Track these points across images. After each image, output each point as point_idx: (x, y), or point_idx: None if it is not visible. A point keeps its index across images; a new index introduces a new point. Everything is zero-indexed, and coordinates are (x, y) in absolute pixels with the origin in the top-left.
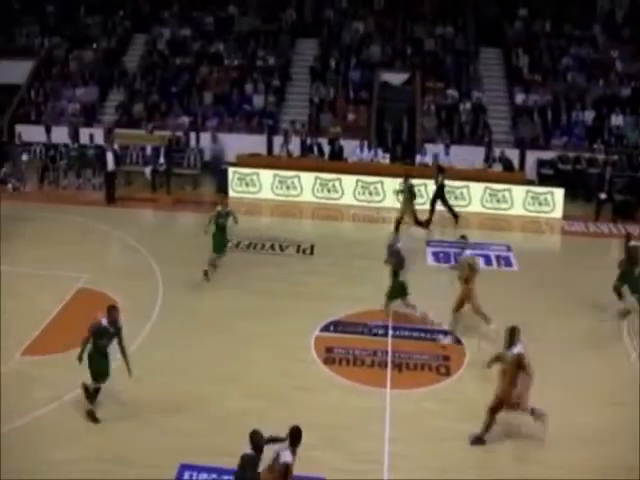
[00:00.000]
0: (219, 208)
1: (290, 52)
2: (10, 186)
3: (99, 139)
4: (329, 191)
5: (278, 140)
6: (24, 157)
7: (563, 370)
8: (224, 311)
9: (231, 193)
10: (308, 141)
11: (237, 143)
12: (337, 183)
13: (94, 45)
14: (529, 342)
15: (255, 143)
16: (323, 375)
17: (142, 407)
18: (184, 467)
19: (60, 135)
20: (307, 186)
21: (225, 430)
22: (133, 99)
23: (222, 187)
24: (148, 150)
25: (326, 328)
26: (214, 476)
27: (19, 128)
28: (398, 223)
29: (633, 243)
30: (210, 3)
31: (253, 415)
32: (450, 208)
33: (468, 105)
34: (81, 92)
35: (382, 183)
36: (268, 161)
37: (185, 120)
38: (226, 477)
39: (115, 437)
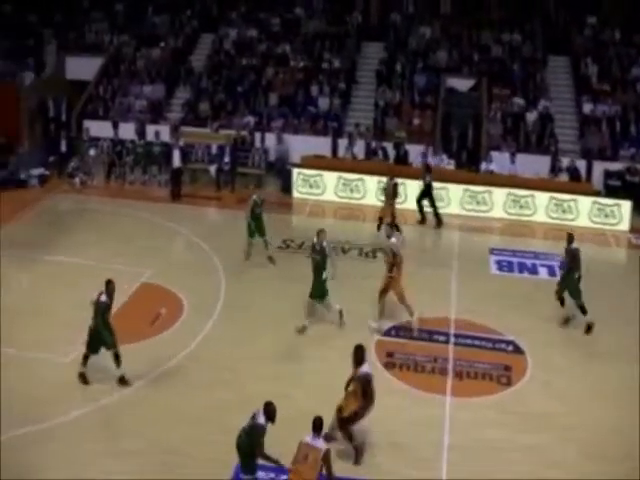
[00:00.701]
0: (255, 197)
1: (356, 55)
2: (77, 180)
3: (165, 136)
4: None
5: (343, 143)
6: (92, 152)
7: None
8: (286, 309)
9: (295, 194)
10: (373, 145)
11: (302, 144)
12: (401, 188)
13: (162, 43)
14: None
15: (319, 145)
16: (383, 379)
17: (204, 403)
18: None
19: (127, 131)
20: (371, 189)
21: (285, 429)
22: (199, 97)
23: (286, 188)
24: (213, 149)
25: (387, 332)
26: (272, 475)
27: (87, 123)
28: (380, 222)
29: (574, 245)
30: (277, 4)
31: (307, 416)
32: (436, 210)
33: (535, 113)
34: (148, 89)
35: (447, 190)
36: (332, 163)
37: (251, 120)
38: (283, 477)
39: (175, 430)
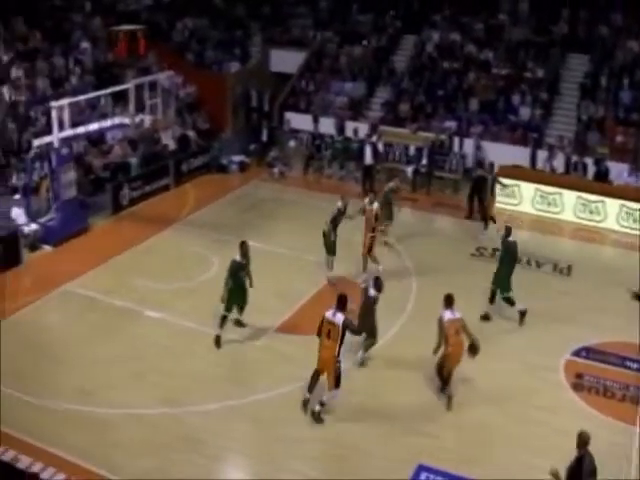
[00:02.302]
0: (339, 204)
1: (560, 66)
2: (276, 170)
3: (363, 134)
4: (591, 212)
5: (542, 154)
6: (291, 143)
7: None
8: (473, 318)
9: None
10: (573, 159)
11: (500, 153)
12: (600, 205)
13: (364, 42)
14: None
15: (518, 154)
16: (570, 400)
17: (390, 401)
18: (422, 468)
19: (326, 126)
20: (569, 205)
21: (465, 437)
22: (399, 98)
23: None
24: (412, 150)
25: (577, 353)
26: None
27: (288, 115)
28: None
29: (511, 239)
30: (481, 9)
31: (491, 428)
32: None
33: None
34: (349, 86)
35: None
36: (531, 174)
37: (452, 124)
38: None
39: (354, 426)
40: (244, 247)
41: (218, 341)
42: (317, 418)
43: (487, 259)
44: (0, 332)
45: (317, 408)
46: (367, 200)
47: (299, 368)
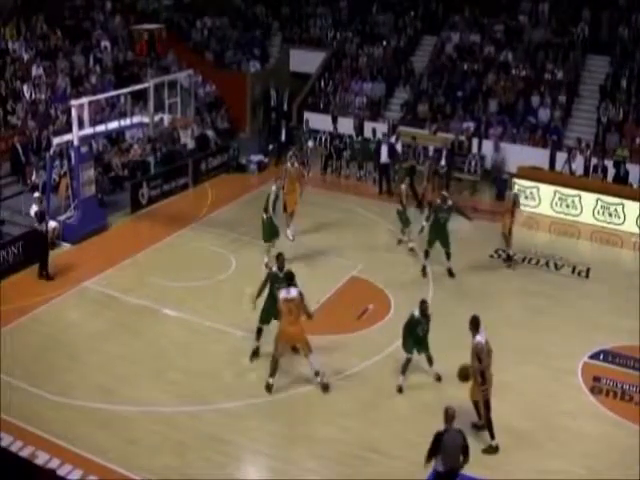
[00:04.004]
0: (275, 189)
1: (580, 68)
2: None
3: (382, 134)
4: (610, 215)
5: (561, 156)
6: (310, 143)
7: None
8: (491, 320)
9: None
10: (593, 161)
11: (519, 154)
12: (619, 208)
13: (384, 42)
14: None
15: (537, 156)
16: (588, 403)
17: (407, 403)
18: None
19: (345, 126)
20: (588, 207)
21: (483, 440)
22: (419, 99)
23: (501, 197)
24: (430, 151)
25: (595, 356)
26: None
27: (307, 115)
28: None
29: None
30: (501, 11)
31: (509, 431)
32: None
33: None
34: (368, 87)
35: None
36: (550, 176)
37: (471, 125)
38: None
39: (373, 427)
40: (280, 259)
41: (256, 353)
42: (325, 387)
43: (516, 262)
44: (20, 329)
45: (318, 379)
46: (289, 162)
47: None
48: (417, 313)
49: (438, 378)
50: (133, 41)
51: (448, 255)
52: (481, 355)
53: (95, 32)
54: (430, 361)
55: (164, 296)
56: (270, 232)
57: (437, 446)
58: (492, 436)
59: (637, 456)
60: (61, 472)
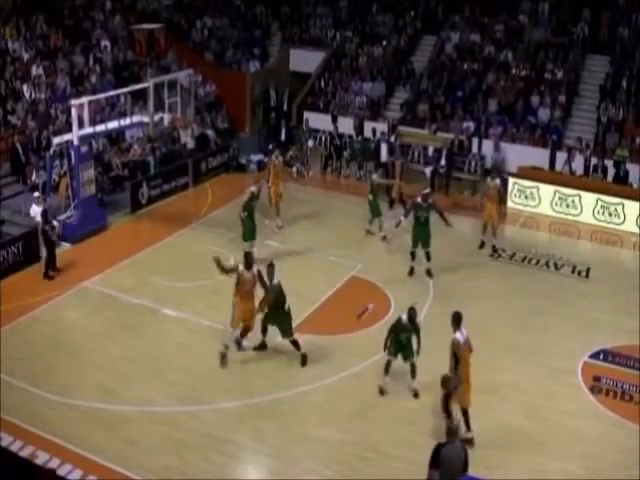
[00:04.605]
0: (253, 189)
1: (580, 68)
2: (294, 170)
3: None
4: (610, 215)
5: (561, 156)
6: (310, 143)
7: None
8: (490, 319)
9: (509, 204)
10: (592, 161)
11: (519, 154)
12: (619, 208)
13: (384, 42)
14: None
15: (537, 156)
16: (588, 403)
17: (409, 404)
18: None
19: (345, 126)
20: (587, 207)
21: (485, 440)
22: (419, 98)
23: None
24: (430, 150)
25: (595, 356)
26: None
27: (307, 115)
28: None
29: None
30: (501, 10)
31: (510, 430)
32: None
33: None
34: (368, 87)
35: None
36: (549, 176)
37: (471, 125)
38: None
39: (378, 428)
40: (270, 269)
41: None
42: (223, 356)
43: (505, 260)
44: (20, 329)
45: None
46: (274, 155)
47: (317, 368)
48: (405, 318)
49: (415, 394)
50: (133, 41)
51: (428, 255)
52: (457, 352)
53: (95, 32)
54: (413, 372)
55: (164, 296)
56: (249, 232)
57: (436, 458)
58: (468, 427)
59: (637, 456)
60: (61, 472)
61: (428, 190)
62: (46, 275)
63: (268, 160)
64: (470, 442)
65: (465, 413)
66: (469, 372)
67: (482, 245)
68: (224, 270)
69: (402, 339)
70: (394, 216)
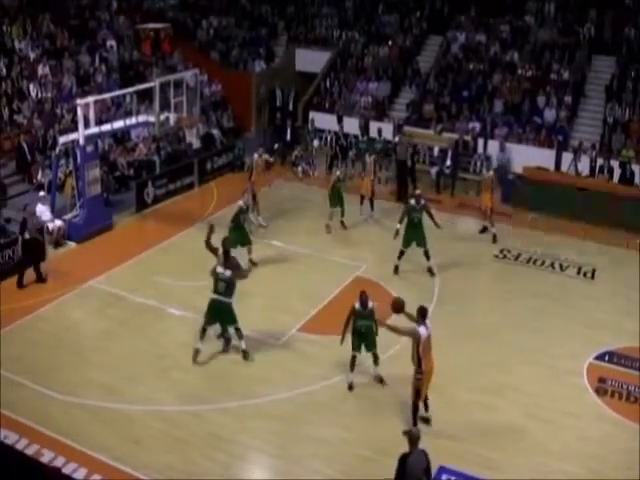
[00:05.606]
0: (241, 203)
1: (586, 68)
2: (300, 169)
3: (387, 134)
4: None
5: (566, 157)
6: (315, 143)
7: None
8: (495, 321)
9: (515, 204)
10: (598, 161)
11: (524, 155)
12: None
13: (390, 42)
14: None
15: (543, 157)
16: (593, 404)
17: (408, 405)
18: (442, 470)
19: (351, 126)
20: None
21: (487, 440)
22: (424, 99)
23: (506, 197)
24: (435, 151)
25: (601, 357)
26: None
27: (313, 114)
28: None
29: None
30: (507, 11)
31: (513, 431)
32: None
33: None
34: (374, 87)
35: None
36: (555, 177)
37: (477, 125)
38: None
39: (377, 427)
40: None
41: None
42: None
43: (510, 261)
44: (24, 328)
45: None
46: (256, 154)
47: (321, 368)
48: (357, 305)
49: (380, 380)
50: (139, 40)
51: (427, 254)
52: (418, 342)
53: (101, 31)
54: (376, 360)
55: (169, 295)
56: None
57: (402, 470)
58: (415, 422)
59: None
60: (66, 470)
61: (419, 191)
62: (39, 279)
63: (252, 159)
64: (427, 421)
65: (426, 399)
66: (432, 365)
67: (483, 230)
68: (209, 244)
69: (360, 327)
70: (362, 211)
